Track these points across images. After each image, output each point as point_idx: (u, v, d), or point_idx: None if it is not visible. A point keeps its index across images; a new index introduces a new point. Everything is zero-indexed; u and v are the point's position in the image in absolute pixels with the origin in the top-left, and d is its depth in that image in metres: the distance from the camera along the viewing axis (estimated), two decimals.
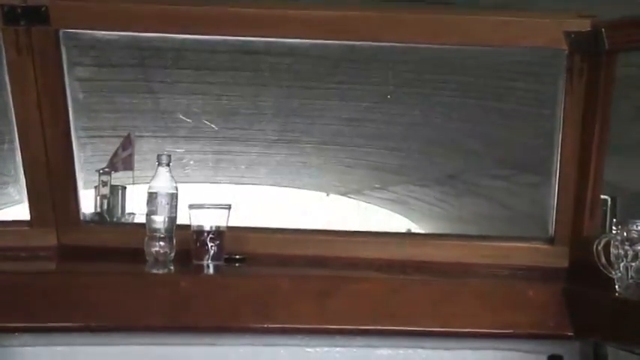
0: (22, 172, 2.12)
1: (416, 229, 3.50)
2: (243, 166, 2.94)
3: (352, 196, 3.45)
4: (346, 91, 2.57)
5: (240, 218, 2.07)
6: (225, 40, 2.22)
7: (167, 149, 2.48)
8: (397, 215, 3.63)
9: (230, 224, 2.02)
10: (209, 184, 2.86)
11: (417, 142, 2.83)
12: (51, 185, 2.11)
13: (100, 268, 1.99)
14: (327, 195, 3.24)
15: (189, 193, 2.12)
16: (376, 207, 3.52)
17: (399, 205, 3.51)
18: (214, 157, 2.80)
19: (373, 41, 2.20)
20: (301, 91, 2.53)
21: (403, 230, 3.12)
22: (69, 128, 2.12)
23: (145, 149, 2.47)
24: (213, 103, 2.61)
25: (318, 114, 2.66)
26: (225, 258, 2.01)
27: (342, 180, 3.32)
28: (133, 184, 2.38)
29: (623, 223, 1.80)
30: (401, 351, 1.89)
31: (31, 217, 2.14)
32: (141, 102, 2.55)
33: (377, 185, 3.48)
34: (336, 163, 3.08)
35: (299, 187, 3.21)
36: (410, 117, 2.65)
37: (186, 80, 2.50)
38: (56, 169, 2.11)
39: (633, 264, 1.77)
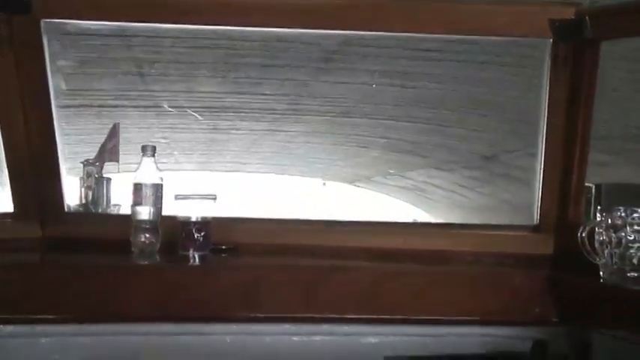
0: (5, 163, 2.10)
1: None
2: (237, 149, 2.67)
3: (360, 185, 2.96)
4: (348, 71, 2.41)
5: (238, 209, 2.01)
6: (212, 29, 2.21)
7: (155, 138, 2.46)
8: (411, 207, 3.01)
9: (222, 214, 2.01)
10: (201, 172, 2.73)
11: (448, 114, 2.44)
12: (34, 177, 2.10)
13: (86, 260, 1.98)
14: (324, 184, 2.87)
15: (180, 180, 2.09)
16: (386, 196, 2.96)
17: (414, 194, 2.96)
18: (206, 140, 2.66)
19: (362, 30, 2.20)
20: (301, 72, 2.41)
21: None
22: (52, 119, 2.11)
23: (130, 139, 2.45)
24: (199, 93, 2.58)
25: (323, 89, 2.37)
26: (212, 248, 2.01)
27: (352, 164, 2.85)
28: (118, 172, 2.35)
29: (608, 210, 1.81)
30: (387, 339, 1.90)
31: (14, 209, 2.12)
32: (126, 92, 2.53)
33: (392, 171, 2.85)
34: (345, 143, 2.68)
35: (300, 175, 2.83)
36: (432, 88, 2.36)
37: (172, 69, 2.47)
38: (39, 160, 2.10)
39: (617, 250, 1.78)
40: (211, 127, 2.60)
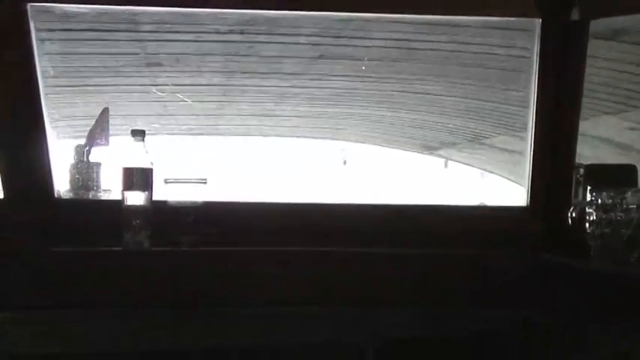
0: None
1: None
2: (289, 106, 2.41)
3: (438, 154, 2.19)
4: None
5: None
6: (197, 12, 2.20)
7: (147, 121, 2.44)
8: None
9: (215, 199, 1.99)
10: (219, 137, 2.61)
11: None
12: (24, 162, 2.08)
13: (76, 246, 1.98)
14: (344, 163, 2.46)
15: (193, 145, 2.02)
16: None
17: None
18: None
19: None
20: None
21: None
22: (40, 104, 2.09)
23: (119, 122, 2.43)
24: (185, 75, 2.56)
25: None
26: (203, 233, 2.01)
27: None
28: (107, 144, 2.31)
29: (598, 191, 1.82)
30: (376, 321, 1.91)
31: (5, 195, 2.11)
32: (115, 74, 2.51)
33: (519, 124, 2.09)
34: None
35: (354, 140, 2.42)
36: None
37: (160, 50, 2.46)
38: (28, 146, 2.08)
39: (607, 231, 1.79)
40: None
